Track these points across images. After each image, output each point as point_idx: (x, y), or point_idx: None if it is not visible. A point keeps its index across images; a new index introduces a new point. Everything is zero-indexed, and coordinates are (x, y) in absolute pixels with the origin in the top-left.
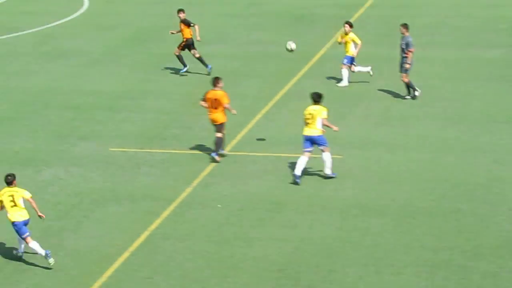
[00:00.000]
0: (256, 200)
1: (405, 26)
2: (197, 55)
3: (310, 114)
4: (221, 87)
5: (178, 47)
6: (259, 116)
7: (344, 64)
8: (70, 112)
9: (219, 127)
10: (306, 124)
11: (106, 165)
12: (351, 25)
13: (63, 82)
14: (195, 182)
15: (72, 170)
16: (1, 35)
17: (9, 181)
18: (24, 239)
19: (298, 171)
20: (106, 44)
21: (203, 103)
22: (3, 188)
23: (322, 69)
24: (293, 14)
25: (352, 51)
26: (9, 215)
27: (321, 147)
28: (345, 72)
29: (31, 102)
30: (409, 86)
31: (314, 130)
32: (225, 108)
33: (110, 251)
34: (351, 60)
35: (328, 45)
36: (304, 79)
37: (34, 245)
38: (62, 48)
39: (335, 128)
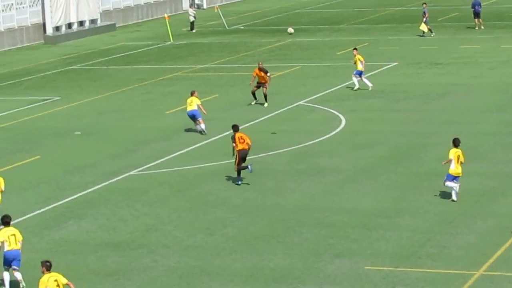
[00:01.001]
0: None
1: None
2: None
3: None
4: None
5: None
6: None
7: None
8: (325, 229)
9: None
10: None
11: (361, 283)
12: None
13: (318, 199)
14: None
15: None
16: (260, 153)
17: (48, 267)
18: None
19: None
20: (362, 162)
21: None
22: (43, 275)
23: None
24: None
25: None
26: None
27: None
28: None
29: (287, 220)
30: None
31: None
32: None
33: None
34: None
35: None
36: None
37: None
38: (318, 166)
39: None
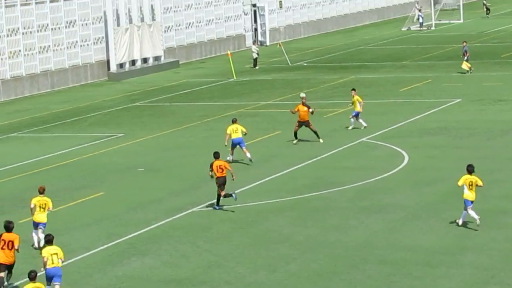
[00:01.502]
0: None
1: None
2: None
3: None
4: None
5: None
6: None
7: None
8: (388, 267)
9: None
10: None
11: None
12: None
13: (381, 236)
14: None
15: None
16: (322, 190)
17: (33, 277)
18: None
19: None
20: (425, 198)
21: None
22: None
23: None
24: None
25: None
26: None
27: None
28: None
29: (349, 256)
30: None
31: None
32: None
33: None
34: None
35: None
36: None
37: None
38: (381, 203)
39: None
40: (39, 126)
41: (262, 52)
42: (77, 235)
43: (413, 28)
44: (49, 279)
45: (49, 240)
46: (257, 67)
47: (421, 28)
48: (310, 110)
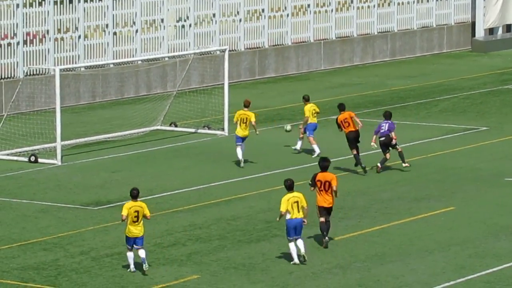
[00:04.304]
0: None
1: None
2: None
3: None
4: None
5: None
6: None
7: None
8: None
9: None
10: None
11: None
12: None
13: None
14: None
15: None
16: None
17: (135, 194)
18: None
19: None
20: None
21: None
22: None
23: None
24: None
25: None
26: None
27: None
28: None
29: None
30: None
31: None
32: None
33: None
34: None
35: None
36: None
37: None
38: None
39: None
40: (370, 108)
41: None
42: (413, 264)
43: None
44: (291, 231)
45: (289, 186)
46: None
47: None
48: None
